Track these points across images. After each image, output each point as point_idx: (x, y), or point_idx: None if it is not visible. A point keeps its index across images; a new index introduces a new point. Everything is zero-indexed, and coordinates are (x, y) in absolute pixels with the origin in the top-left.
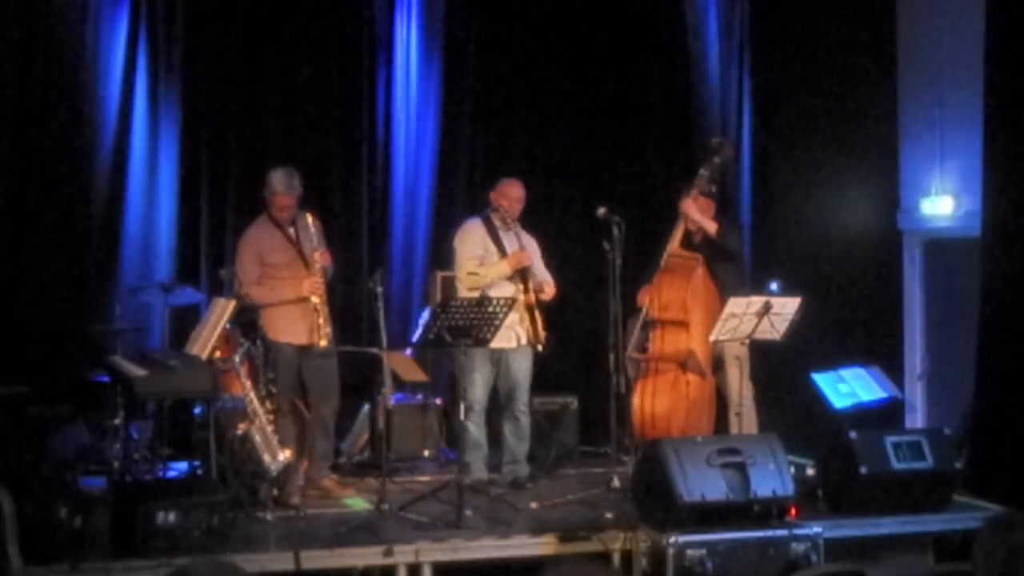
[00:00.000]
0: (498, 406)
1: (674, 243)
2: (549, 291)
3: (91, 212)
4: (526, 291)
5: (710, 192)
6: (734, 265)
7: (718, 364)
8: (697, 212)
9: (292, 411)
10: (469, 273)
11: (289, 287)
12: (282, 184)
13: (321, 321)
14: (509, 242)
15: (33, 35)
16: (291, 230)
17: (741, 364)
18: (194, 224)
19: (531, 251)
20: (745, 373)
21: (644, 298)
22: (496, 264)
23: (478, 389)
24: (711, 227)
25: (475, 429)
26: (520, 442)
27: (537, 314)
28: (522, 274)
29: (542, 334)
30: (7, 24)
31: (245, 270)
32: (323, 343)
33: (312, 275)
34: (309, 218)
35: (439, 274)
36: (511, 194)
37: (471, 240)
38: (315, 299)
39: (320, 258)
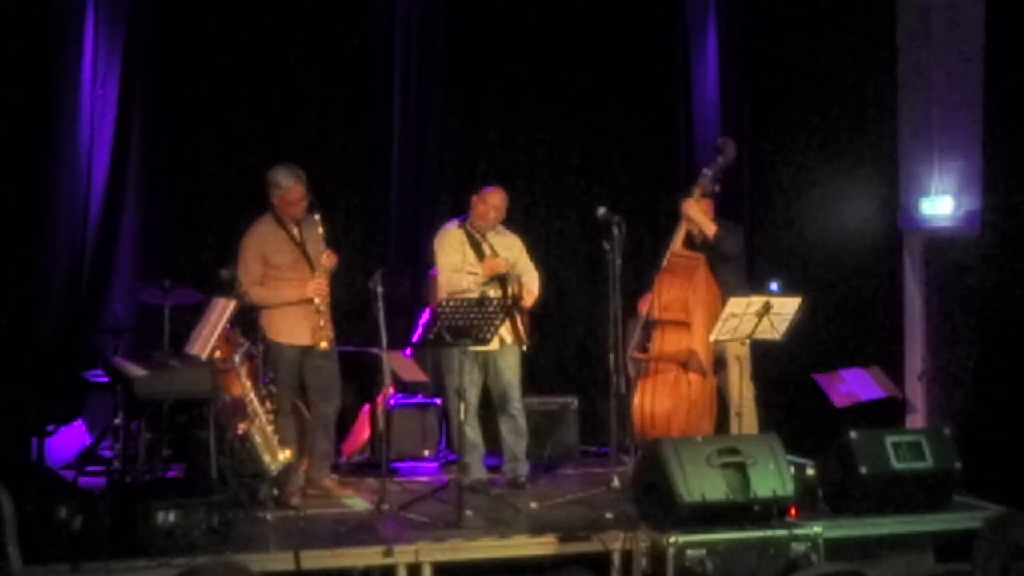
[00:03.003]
0: (493, 407)
1: (676, 243)
2: (530, 299)
3: (91, 211)
4: (504, 295)
5: (712, 192)
6: (734, 265)
7: (719, 364)
8: (698, 212)
9: (293, 411)
10: (452, 274)
11: (293, 288)
12: (291, 177)
13: (323, 323)
14: (488, 245)
15: (33, 34)
16: (295, 230)
17: (742, 364)
18: (195, 224)
19: (512, 251)
20: (746, 373)
21: (644, 306)
22: (468, 275)
23: (468, 392)
24: (710, 228)
25: (470, 431)
26: (519, 439)
27: (519, 314)
28: (501, 280)
29: (524, 333)
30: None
31: (248, 269)
32: (324, 345)
33: (317, 276)
34: (317, 218)
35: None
36: (488, 200)
37: (449, 245)
38: (318, 300)
39: (327, 260)
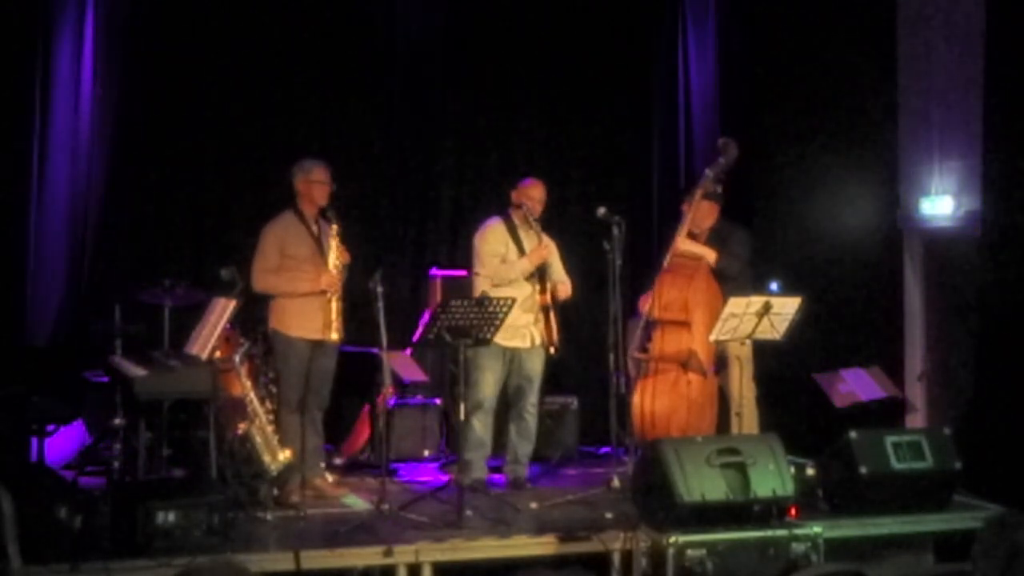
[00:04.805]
0: (505, 404)
1: (678, 244)
2: (564, 290)
3: (90, 210)
4: (543, 291)
5: (715, 193)
6: (742, 278)
7: (721, 364)
8: (695, 246)
9: (299, 407)
10: (479, 275)
11: (306, 280)
12: (315, 161)
13: (334, 316)
14: (529, 241)
15: (33, 34)
16: (314, 227)
17: (742, 364)
18: (195, 224)
19: (550, 251)
20: (746, 373)
21: (644, 304)
22: (517, 261)
23: (489, 387)
24: (711, 256)
25: (480, 427)
26: (524, 442)
27: (552, 315)
28: (540, 274)
29: (555, 336)
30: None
31: (265, 256)
32: (335, 336)
33: (330, 269)
34: (332, 215)
35: (437, 274)
36: (533, 194)
37: (493, 238)
38: (330, 294)
39: (341, 256)
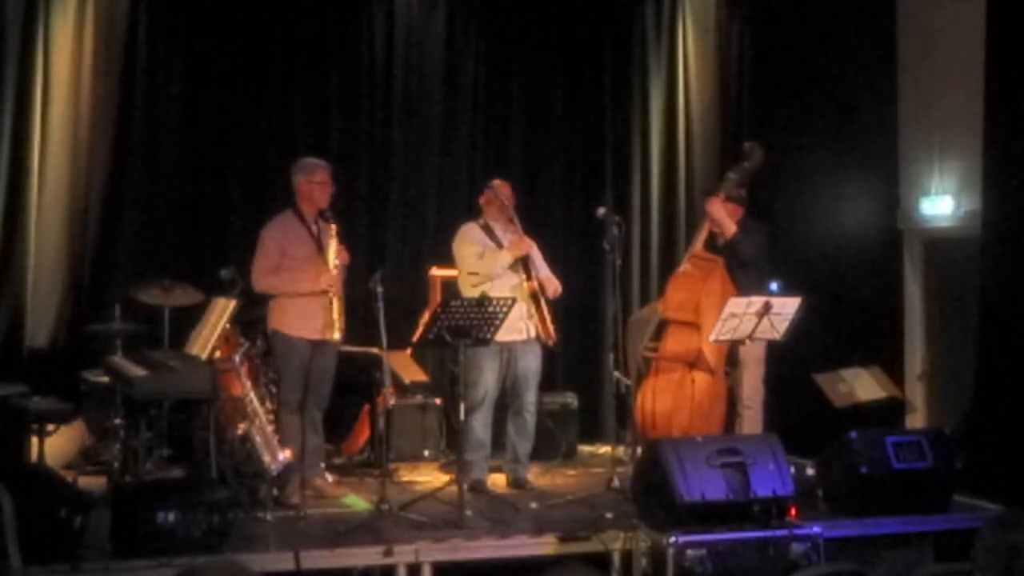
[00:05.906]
0: (503, 403)
1: (697, 244)
2: (552, 287)
3: (90, 210)
4: (529, 279)
5: (738, 196)
6: (752, 270)
7: (733, 364)
8: (720, 211)
9: (299, 408)
10: (470, 274)
11: (306, 280)
12: (316, 161)
13: (335, 316)
14: (507, 240)
15: (31, 35)
16: (314, 227)
17: (746, 365)
18: (195, 223)
19: (531, 246)
20: (753, 374)
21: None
22: (499, 252)
23: (487, 385)
24: (729, 229)
25: (480, 427)
26: (523, 441)
27: (544, 305)
28: (524, 264)
29: (551, 328)
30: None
31: (266, 256)
32: (335, 336)
33: (330, 269)
34: (330, 215)
35: (437, 274)
36: (502, 190)
37: (470, 237)
38: (331, 293)
39: (340, 255)
